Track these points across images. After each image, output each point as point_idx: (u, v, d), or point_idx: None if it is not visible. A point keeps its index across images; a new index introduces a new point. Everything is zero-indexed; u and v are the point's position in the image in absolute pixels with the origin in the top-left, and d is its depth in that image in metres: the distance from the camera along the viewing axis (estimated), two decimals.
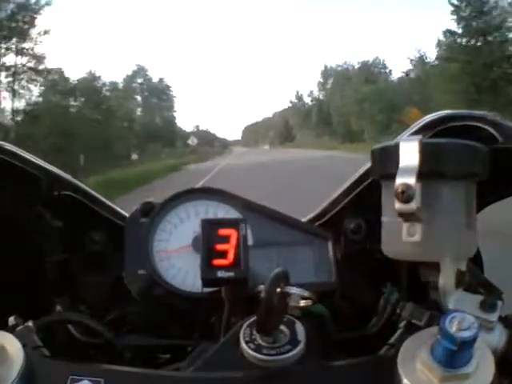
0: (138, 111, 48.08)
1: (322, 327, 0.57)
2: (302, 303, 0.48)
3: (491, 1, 25.69)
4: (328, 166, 16.76)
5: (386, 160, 0.49)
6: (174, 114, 54.15)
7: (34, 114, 21.90)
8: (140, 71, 50.96)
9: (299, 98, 74.59)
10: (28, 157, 0.71)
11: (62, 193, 0.73)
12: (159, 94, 51.32)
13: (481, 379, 0.39)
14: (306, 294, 0.48)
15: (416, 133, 0.62)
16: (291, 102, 75.79)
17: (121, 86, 45.51)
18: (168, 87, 53.03)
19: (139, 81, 50.38)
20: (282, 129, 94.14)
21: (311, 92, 68.87)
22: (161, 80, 52.04)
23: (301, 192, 8.98)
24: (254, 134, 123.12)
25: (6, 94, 22.10)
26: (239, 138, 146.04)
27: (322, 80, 63.20)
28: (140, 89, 50.23)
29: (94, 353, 0.64)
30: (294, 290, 0.48)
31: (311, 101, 67.52)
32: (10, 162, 0.69)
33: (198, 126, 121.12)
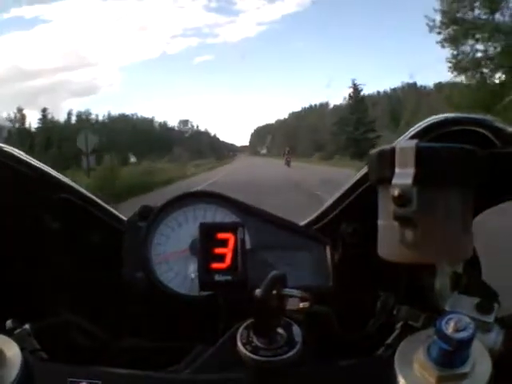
0: None
1: (324, 326, 0.58)
2: (301, 305, 0.49)
3: None
4: None
5: (383, 164, 0.49)
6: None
7: None
8: None
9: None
10: (27, 159, 0.72)
11: (60, 196, 0.73)
12: None
13: (478, 379, 0.39)
14: (303, 294, 0.49)
15: (413, 137, 0.62)
16: None
17: None
18: None
19: None
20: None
21: None
22: None
23: None
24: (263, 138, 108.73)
25: None
26: (247, 143, 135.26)
27: None
28: None
29: (92, 355, 0.64)
30: (290, 292, 0.48)
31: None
32: (9, 165, 0.69)
33: (186, 121, 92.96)
